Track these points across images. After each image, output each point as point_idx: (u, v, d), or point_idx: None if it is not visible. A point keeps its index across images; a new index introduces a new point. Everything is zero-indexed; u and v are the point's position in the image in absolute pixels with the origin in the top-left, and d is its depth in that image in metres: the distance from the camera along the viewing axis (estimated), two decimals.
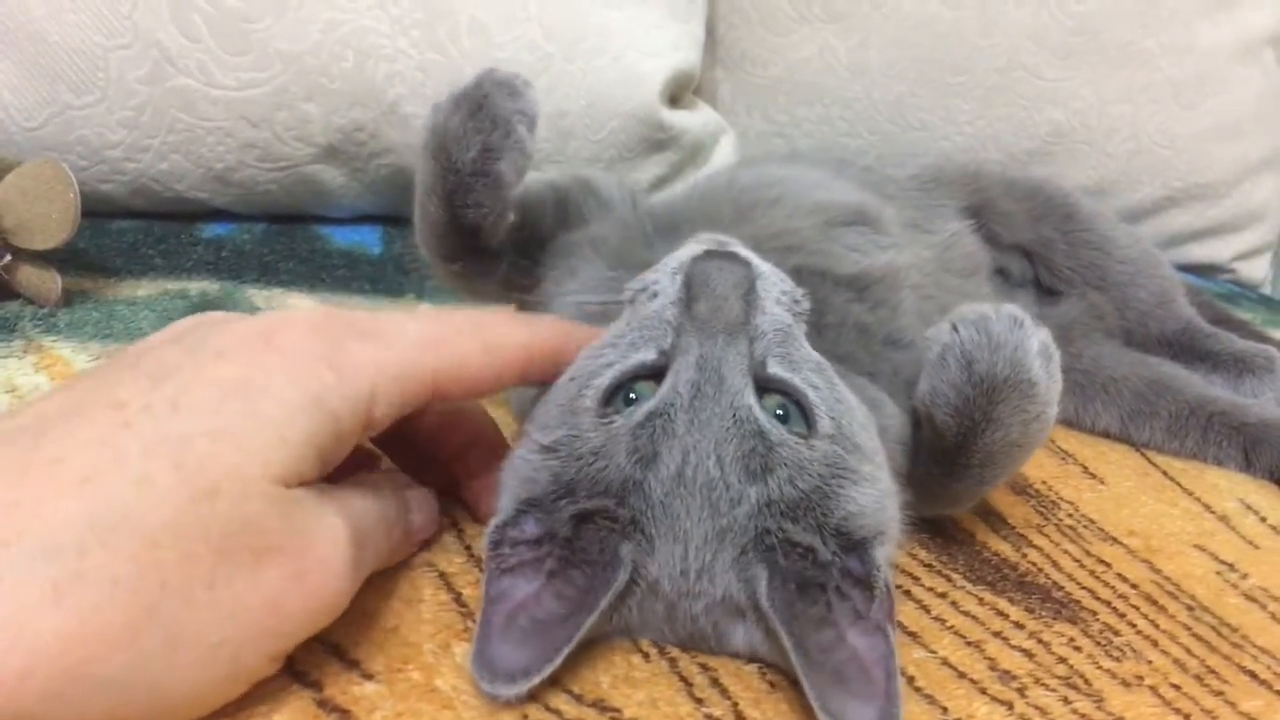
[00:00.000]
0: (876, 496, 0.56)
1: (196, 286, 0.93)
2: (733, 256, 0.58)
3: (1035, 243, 1.04)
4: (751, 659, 0.57)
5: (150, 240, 1.02)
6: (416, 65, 1.08)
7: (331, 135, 1.07)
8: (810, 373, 0.57)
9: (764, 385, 0.56)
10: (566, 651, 0.51)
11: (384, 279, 1.02)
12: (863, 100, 1.47)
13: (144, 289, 0.91)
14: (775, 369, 0.56)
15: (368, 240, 1.12)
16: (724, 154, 1.32)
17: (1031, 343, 0.63)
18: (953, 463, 0.66)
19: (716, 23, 1.43)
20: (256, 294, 0.94)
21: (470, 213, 0.70)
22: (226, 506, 0.41)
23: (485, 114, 0.69)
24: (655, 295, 0.59)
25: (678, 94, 1.25)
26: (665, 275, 0.59)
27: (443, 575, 0.60)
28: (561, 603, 0.53)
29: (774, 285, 0.59)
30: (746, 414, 0.53)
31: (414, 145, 1.09)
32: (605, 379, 0.55)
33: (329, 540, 0.46)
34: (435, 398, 0.53)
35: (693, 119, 1.25)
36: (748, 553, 0.53)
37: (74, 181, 0.82)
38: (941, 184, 1.00)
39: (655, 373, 0.56)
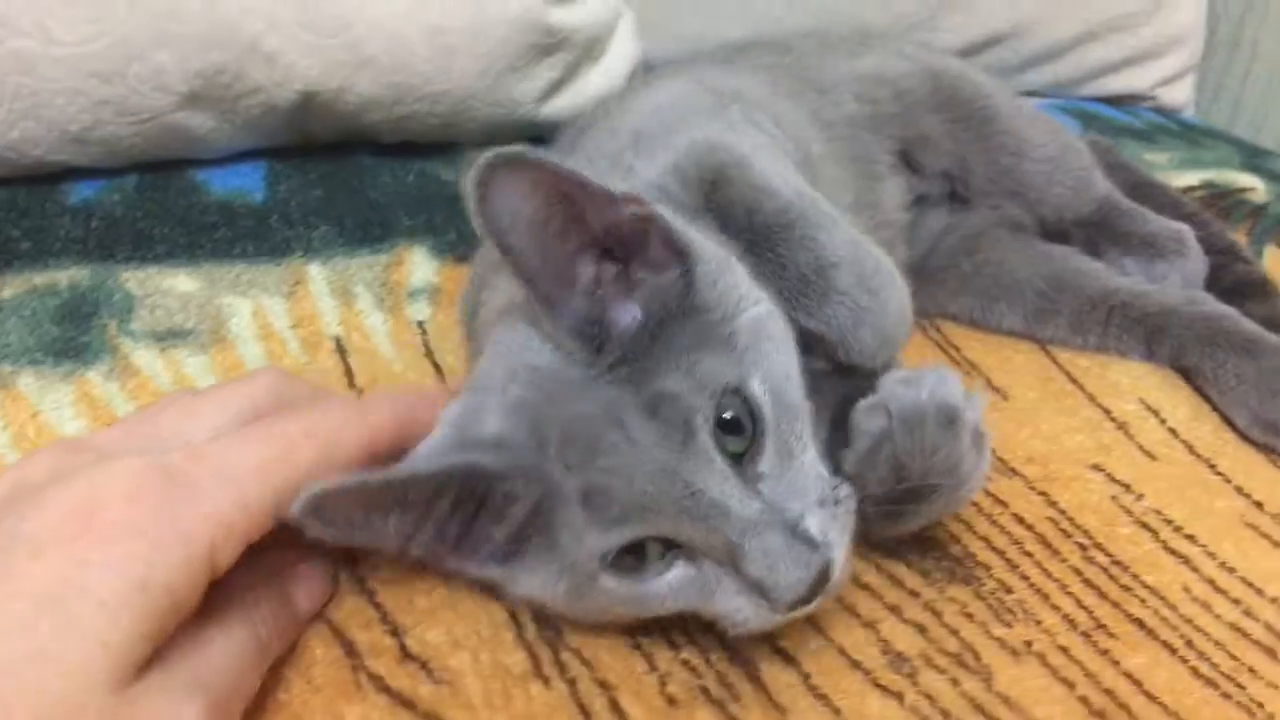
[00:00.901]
0: None
1: (66, 276, 0.88)
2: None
3: (956, 162, 1.02)
4: None
5: (13, 216, 0.96)
6: None
7: (192, 82, 1.00)
8: None
9: None
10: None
11: (268, 236, 0.97)
12: None
13: (9, 287, 0.87)
14: None
15: (248, 184, 1.06)
16: (623, 40, 1.25)
17: (964, 439, 0.62)
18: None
19: None
20: (130, 276, 0.89)
21: None
22: None
23: None
24: None
25: None
26: None
27: (332, 625, 0.60)
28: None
29: None
30: None
31: (282, 83, 1.03)
32: None
33: None
34: (278, 521, 0.51)
35: (583, 13, 1.17)
36: None
37: None
38: (878, 121, 0.98)
39: None
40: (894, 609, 0.66)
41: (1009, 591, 0.68)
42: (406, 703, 0.57)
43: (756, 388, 0.56)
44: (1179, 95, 1.68)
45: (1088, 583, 0.70)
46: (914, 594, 0.68)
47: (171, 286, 0.89)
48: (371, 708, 0.56)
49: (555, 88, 1.18)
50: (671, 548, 0.56)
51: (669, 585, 0.56)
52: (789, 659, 0.62)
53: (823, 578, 0.54)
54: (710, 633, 0.63)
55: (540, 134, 1.15)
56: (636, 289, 0.57)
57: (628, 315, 0.57)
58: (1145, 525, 0.76)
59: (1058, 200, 1.05)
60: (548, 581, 0.58)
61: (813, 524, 0.54)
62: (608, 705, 0.58)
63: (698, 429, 0.54)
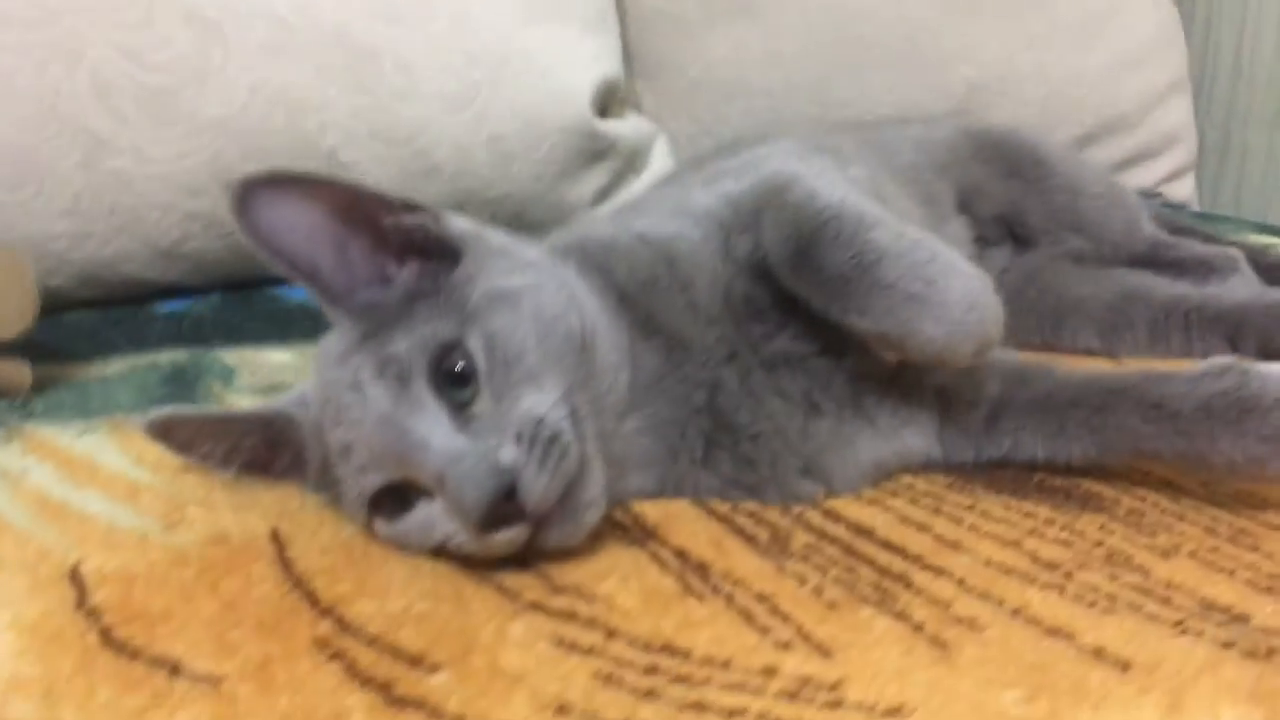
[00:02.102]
0: None
1: (166, 357, 0.92)
2: None
3: (1010, 208, 1.09)
4: None
5: (108, 324, 1.01)
6: (348, 111, 1.08)
7: None
8: None
9: None
10: None
11: None
12: (782, 88, 1.50)
13: (113, 367, 0.90)
14: None
15: None
16: (660, 157, 1.34)
17: None
18: None
19: (629, 36, 1.45)
20: (227, 354, 0.93)
21: None
22: None
23: None
24: None
25: (607, 104, 1.26)
26: None
27: (477, 572, 0.60)
28: None
29: None
30: None
31: None
32: None
33: None
34: None
35: (625, 126, 1.27)
36: None
37: (29, 266, 0.81)
38: (935, 169, 1.05)
39: None
40: (1033, 532, 0.65)
41: (1141, 515, 0.67)
42: (567, 615, 0.56)
43: (473, 343, 0.62)
44: (1183, 191, 1.76)
45: (1218, 504, 0.69)
46: (1049, 521, 0.67)
47: (267, 359, 0.92)
48: (532, 620, 0.55)
49: (605, 194, 1.25)
50: (419, 491, 0.61)
51: (417, 522, 0.61)
52: (939, 571, 0.60)
53: (501, 497, 0.57)
54: (854, 556, 0.62)
55: None
56: (400, 275, 0.66)
57: (388, 297, 0.66)
58: None
59: (1114, 235, 1.10)
60: (349, 515, 0.65)
61: (505, 455, 0.58)
62: (768, 611, 0.56)
63: (412, 378, 0.61)
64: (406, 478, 0.60)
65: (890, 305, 0.65)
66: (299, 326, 1.01)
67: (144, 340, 0.97)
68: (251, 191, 0.63)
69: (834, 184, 0.74)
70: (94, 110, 1.00)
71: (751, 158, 0.86)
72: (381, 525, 0.62)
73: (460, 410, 0.60)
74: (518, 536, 0.58)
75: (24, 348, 0.84)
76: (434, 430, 0.59)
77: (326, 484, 0.66)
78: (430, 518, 0.60)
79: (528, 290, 0.66)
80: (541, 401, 0.61)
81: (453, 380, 0.61)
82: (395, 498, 0.62)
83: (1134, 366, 0.76)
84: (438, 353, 0.61)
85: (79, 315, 1.04)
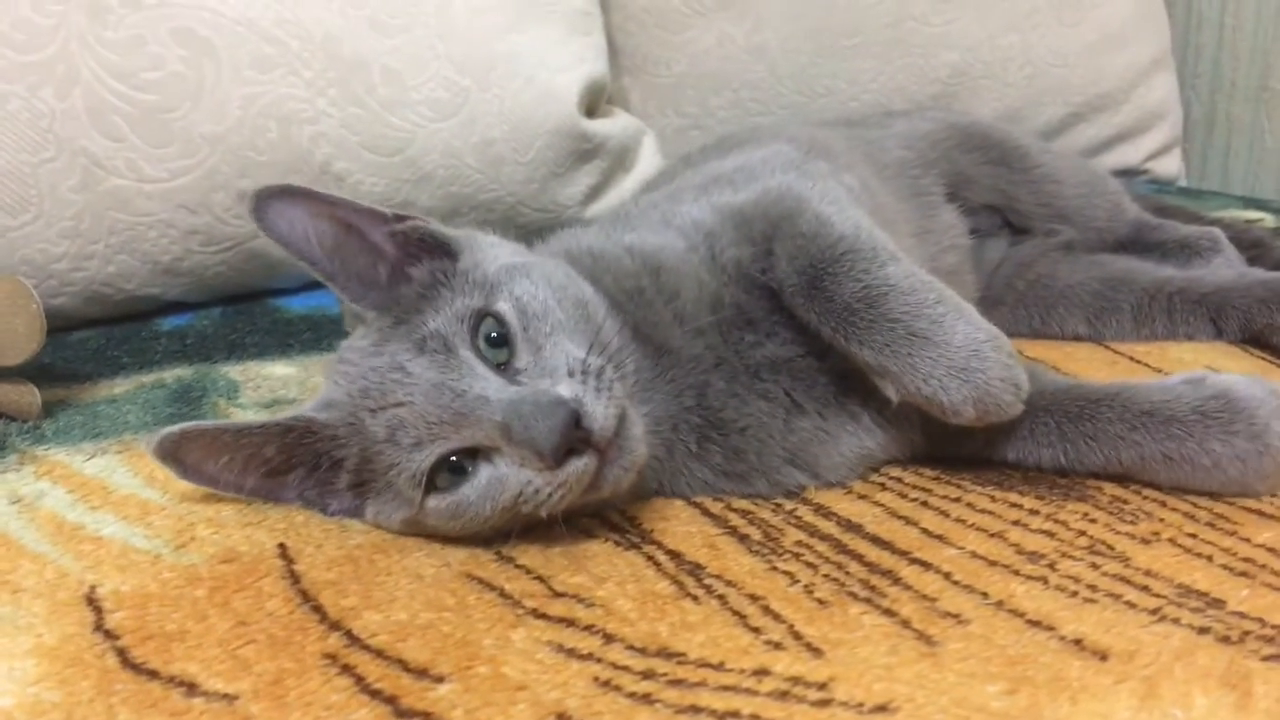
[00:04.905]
0: None
1: (171, 374, 0.94)
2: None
3: (1000, 196, 1.10)
4: None
5: (113, 343, 1.03)
6: (339, 122, 1.10)
7: None
8: None
9: None
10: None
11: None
12: (767, 79, 1.51)
13: (120, 387, 0.92)
14: None
15: (325, 302, 1.13)
16: (648, 154, 1.35)
17: None
18: None
19: (614, 32, 1.46)
20: (231, 369, 0.95)
21: None
22: None
23: None
24: None
25: (594, 104, 1.28)
26: None
27: (480, 580, 0.62)
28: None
29: None
30: None
31: None
32: None
33: None
34: None
35: (613, 125, 1.28)
36: None
37: (34, 293, 0.82)
38: (923, 163, 1.06)
39: None
40: (1017, 523, 0.67)
41: (1124, 503, 0.69)
42: (566, 621, 0.58)
43: (502, 306, 0.67)
44: (1170, 167, 1.77)
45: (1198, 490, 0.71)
46: (1034, 512, 0.69)
47: (270, 372, 0.94)
48: (533, 626, 0.57)
49: (595, 193, 1.26)
50: (475, 458, 0.64)
51: (479, 488, 0.64)
52: (927, 565, 0.63)
53: (571, 424, 0.60)
54: (844, 553, 0.64)
55: None
56: (414, 272, 0.71)
57: (408, 291, 0.70)
58: None
59: (1098, 222, 1.13)
60: (387, 512, 0.68)
61: (562, 389, 0.62)
62: (760, 611, 0.58)
63: (456, 347, 0.65)
64: (465, 444, 0.63)
65: (892, 339, 0.68)
66: (300, 338, 1.03)
67: (149, 358, 0.99)
68: (264, 201, 0.69)
69: (844, 209, 0.77)
70: (90, 131, 1.01)
71: (747, 163, 0.87)
72: (437, 501, 0.65)
73: (502, 370, 0.65)
74: (587, 467, 0.62)
75: (32, 370, 0.86)
76: (488, 386, 0.63)
77: (363, 484, 0.68)
78: (497, 476, 0.63)
79: (535, 264, 0.72)
80: (576, 349, 0.66)
81: (490, 344, 0.66)
82: (451, 471, 0.64)
83: (1104, 380, 0.78)
84: (474, 321, 0.66)
85: (84, 334, 1.06)
